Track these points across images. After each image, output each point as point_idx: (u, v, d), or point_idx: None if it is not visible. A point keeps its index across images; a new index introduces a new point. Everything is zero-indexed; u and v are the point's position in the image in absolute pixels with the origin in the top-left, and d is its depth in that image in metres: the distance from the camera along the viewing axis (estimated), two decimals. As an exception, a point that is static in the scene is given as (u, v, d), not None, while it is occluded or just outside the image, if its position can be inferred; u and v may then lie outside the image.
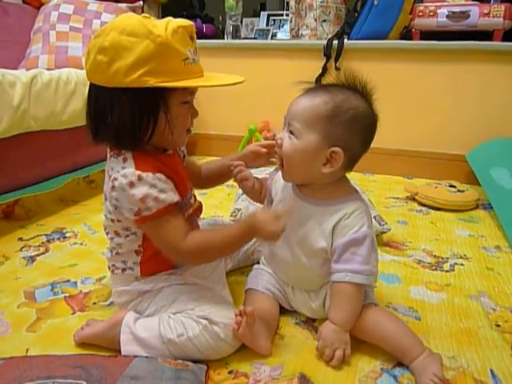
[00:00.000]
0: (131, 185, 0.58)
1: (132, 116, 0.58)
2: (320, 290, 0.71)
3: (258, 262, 0.81)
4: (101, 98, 0.59)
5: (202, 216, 0.77)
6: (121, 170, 0.59)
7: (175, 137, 0.63)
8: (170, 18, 0.59)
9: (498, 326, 0.72)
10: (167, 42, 0.56)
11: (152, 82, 0.56)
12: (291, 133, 0.63)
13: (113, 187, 0.59)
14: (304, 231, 0.66)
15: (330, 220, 0.65)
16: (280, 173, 0.69)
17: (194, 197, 0.73)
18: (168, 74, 0.57)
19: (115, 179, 0.59)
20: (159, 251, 0.65)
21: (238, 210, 1.10)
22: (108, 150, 0.65)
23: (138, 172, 0.58)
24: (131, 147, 0.61)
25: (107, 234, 0.69)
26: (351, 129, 0.62)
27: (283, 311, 0.74)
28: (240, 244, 0.67)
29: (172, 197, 0.60)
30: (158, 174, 0.60)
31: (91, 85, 0.61)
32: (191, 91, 0.63)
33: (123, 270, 0.68)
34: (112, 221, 0.65)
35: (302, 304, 0.73)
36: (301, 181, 0.67)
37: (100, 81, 0.58)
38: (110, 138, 0.62)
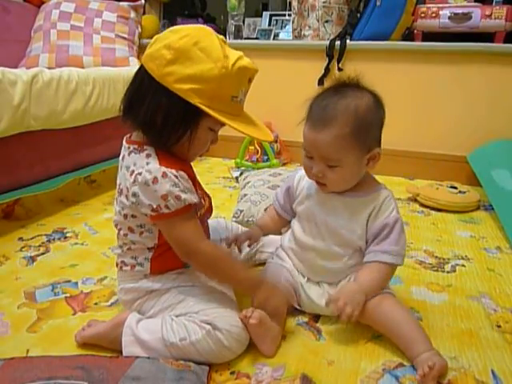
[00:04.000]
0: (155, 180, 0.59)
1: (164, 118, 0.60)
2: (340, 282, 0.73)
3: (261, 264, 0.81)
4: (145, 85, 0.60)
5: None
6: (145, 166, 0.60)
7: (190, 154, 0.65)
8: (241, 55, 0.61)
9: (499, 326, 0.73)
10: (229, 76, 0.58)
11: (196, 100, 0.58)
12: (330, 166, 0.65)
13: (134, 181, 0.60)
14: (338, 222, 0.70)
15: (365, 211, 0.69)
16: (302, 172, 0.73)
17: (209, 197, 0.73)
18: (213, 101, 0.59)
19: (139, 174, 0.60)
20: (171, 248, 0.65)
21: (241, 211, 1.10)
22: (126, 146, 0.65)
23: (163, 168, 0.59)
24: (155, 142, 0.62)
25: (119, 230, 0.68)
26: (374, 126, 0.66)
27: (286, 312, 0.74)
28: (238, 285, 0.69)
29: (191, 197, 0.61)
30: (181, 172, 0.61)
31: (143, 67, 0.61)
32: (222, 123, 0.63)
33: (133, 266, 0.67)
34: (125, 217, 0.65)
35: (317, 296, 0.73)
36: (346, 188, 0.70)
37: (152, 70, 0.59)
38: (137, 124, 0.62)
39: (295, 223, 0.76)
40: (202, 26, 0.63)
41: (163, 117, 0.59)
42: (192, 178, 0.64)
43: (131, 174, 0.61)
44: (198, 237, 0.63)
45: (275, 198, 0.80)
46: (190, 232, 0.62)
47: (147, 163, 0.60)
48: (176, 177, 0.60)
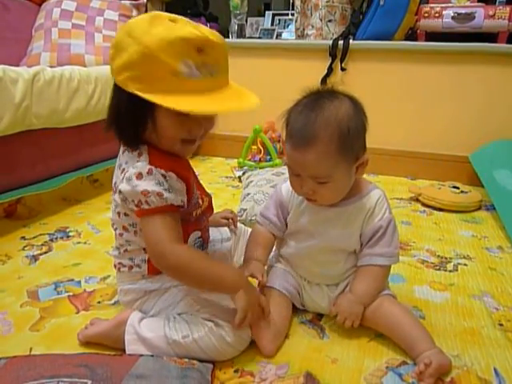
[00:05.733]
0: (139, 176, 0.58)
1: (117, 113, 0.60)
2: (340, 284, 0.73)
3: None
4: (113, 88, 0.61)
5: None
6: (135, 163, 0.60)
7: (166, 145, 0.61)
8: (180, 26, 0.55)
9: (501, 325, 0.73)
10: (151, 52, 0.53)
11: (132, 88, 0.54)
12: (320, 182, 0.63)
13: (123, 178, 0.60)
14: (333, 233, 0.69)
15: (360, 216, 0.68)
16: (285, 185, 0.73)
17: (208, 196, 0.72)
18: (155, 84, 0.54)
19: (127, 171, 0.59)
20: None
21: (244, 210, 1.10)
22: (121, 145, 0.65)
23: (150, 166, 0.59)
24: (122, 138, 0.62)
25: (115, 229, 0.68)
26: (358, 134, 0.63)
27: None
28: (221, 288, 0.63)
29: (176, 198, 0.60)
30: (171, 173, 0.60)
31: None
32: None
33: (130, 267, 0.67)
34: (119, 215, 0.64)
35: (319, 297, 0.73)
36: (338, 200, 0.68)
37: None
38: (107, 124, 0.62)
39: (289, 236, 0.75)
40: (153, 12, 0.60)
41: (117, 112, 0.60)
42: (186, 177, 0.62)
43: (122, 172, 0.61)
44: (174, 238, 0.59)
45: (265, 221, 0.75)
46: (166, 232, 0.58)
47: (137, 161, 0.60)
48: (163, 176, 0.58)
